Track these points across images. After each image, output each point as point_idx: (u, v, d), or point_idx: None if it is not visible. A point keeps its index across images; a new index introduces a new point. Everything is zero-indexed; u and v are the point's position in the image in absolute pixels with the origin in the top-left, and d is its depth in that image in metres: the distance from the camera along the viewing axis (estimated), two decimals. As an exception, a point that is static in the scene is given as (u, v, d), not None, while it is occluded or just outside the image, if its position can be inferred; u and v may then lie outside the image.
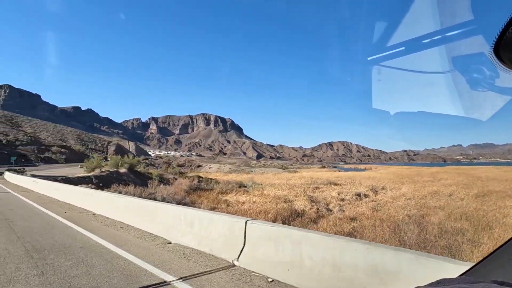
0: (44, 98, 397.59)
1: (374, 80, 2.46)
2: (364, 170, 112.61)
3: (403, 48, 2.07)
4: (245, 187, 37.26)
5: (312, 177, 55.18)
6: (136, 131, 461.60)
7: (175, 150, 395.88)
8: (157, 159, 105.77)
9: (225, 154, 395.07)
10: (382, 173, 67.26)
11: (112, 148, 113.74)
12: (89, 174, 26.45)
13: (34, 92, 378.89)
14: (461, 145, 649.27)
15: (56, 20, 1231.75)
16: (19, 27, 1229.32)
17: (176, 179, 38.30)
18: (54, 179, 22.31)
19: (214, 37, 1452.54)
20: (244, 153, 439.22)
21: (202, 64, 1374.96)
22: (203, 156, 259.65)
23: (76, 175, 27.04)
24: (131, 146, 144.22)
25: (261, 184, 39.42)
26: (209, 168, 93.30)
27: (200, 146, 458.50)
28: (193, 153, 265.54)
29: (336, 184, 40.32)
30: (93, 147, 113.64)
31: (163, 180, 34.18)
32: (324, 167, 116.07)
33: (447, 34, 1.77)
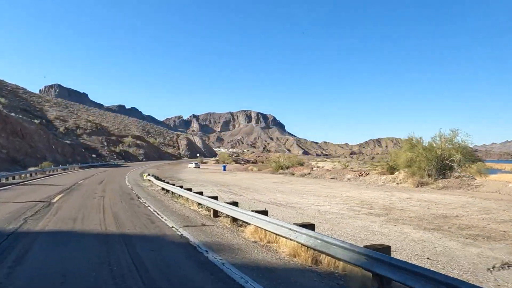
0: (91, 98, 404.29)
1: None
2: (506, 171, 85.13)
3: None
4: None
5: None
6: (178, 129, 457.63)
7: (218, 147, 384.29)
8: (239, 156, 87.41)
9: (269, 151, 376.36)
10: None
11: (183, 143, 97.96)
12: None
13: (81, 91, 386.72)
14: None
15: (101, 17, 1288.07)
16: (67, 26, 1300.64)
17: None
18: None
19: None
20: (289, 150, 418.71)
21: (243, 58, 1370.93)
22: (254, 152, 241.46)
23: None
24: (196, 140, 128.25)
25: None
26: (319, 165, 72.13)
27: (243, 143, 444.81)
28: (245, 150, 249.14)
29: None
30: (161, 141, 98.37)
31: None
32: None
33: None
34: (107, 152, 68.48)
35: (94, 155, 65.55)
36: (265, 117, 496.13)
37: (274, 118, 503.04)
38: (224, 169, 43.58)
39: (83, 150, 64.92)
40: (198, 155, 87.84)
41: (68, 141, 60.80)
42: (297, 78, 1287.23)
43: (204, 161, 64.08)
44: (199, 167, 48.81)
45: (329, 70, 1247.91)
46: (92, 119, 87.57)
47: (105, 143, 72.22)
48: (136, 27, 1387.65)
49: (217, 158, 72.02)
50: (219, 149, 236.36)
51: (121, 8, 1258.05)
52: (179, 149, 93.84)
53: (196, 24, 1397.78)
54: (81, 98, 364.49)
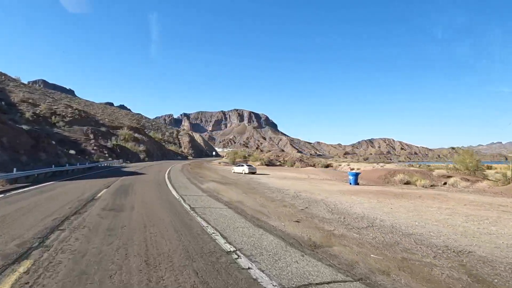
0: (77, 94, 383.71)
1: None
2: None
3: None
4: None
5: None
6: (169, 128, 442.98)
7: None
8: (250, 155, 76.90)
9: (262, 151, 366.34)
10: None
11: (185, 139, 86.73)
12: None
13: (68, 87, 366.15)
14: (501, 142, 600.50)
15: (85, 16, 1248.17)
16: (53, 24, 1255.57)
17: None
18: None
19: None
20: (283, 150, 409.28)
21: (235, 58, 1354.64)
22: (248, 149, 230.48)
23: None
24: (196, 137, 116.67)
25: None
26: (348, 165, 63.57)
27: (235, 143, 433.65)
28: (242, 149, 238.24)
29: None
30: (160, 137, 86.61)
31: None
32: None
33: None
34: (95, 148, 51.24)
35: (73, 152, 42.14)
36: (257, 116, 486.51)
37: (267, 118, 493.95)
38: (356, 182, 23.55)
39: (54, 143, 37.42)
40: (214, 153, 77.98)
41: (25, 127, 30.27)
42: (290, 79, 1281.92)
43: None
44: (254, 173, 32.71)
45: (322, 71, 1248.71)
46: (75, 106, 71.54)
47: (91, 136, 54.89)
48: (125, 24, 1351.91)
49: (239, 159, 60.83)
50: (217, 149, 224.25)
51: (112, 5, 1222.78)
52: (181, 146, 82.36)
53: (186, 24, 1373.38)
54: (66, 93, 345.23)
